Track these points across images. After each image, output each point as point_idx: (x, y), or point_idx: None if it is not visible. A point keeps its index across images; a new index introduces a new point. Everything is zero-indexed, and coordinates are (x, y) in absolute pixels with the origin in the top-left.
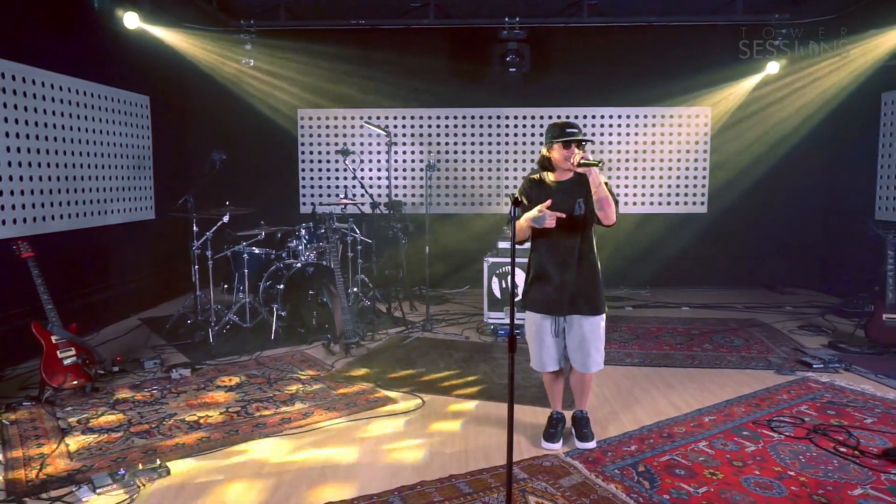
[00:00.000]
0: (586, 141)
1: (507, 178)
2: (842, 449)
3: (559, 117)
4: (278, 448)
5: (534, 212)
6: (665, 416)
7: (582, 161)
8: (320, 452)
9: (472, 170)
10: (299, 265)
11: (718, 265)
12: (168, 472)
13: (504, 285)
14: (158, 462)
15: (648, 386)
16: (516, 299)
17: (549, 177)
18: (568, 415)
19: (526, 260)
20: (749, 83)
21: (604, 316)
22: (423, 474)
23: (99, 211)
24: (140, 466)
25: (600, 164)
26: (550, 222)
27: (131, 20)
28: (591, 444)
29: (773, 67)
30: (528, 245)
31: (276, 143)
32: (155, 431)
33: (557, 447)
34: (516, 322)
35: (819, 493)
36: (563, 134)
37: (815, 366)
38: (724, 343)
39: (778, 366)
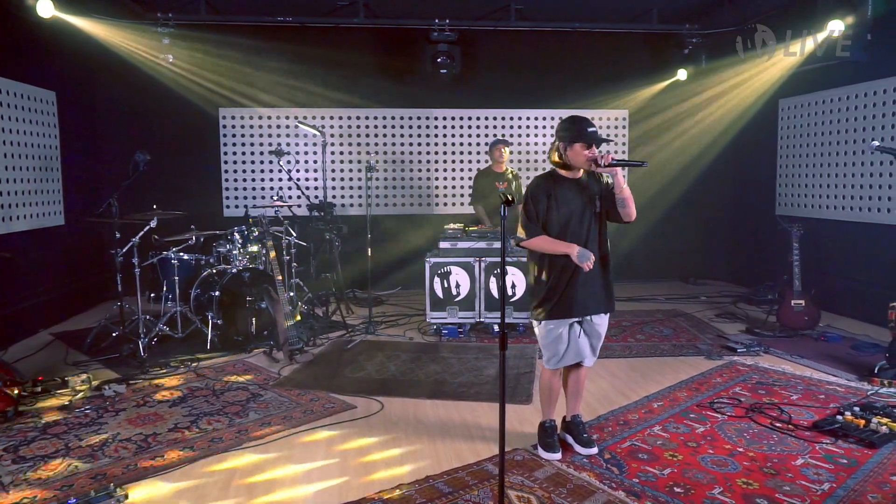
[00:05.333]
0: (607, 140)
1: (436, 178)
2: (778, 424)
3: (487, 119)
4: (242, 462)
5: (575, 249)
6: (617, 404)
7: (616, 161)
8: (288, 462)
9: (403, 171)
10: (234, 271)
11: (637, 260)
12: (126, 497)
13: (446, 285)
14: (113, 486)
15: (595, 377)
16: (537, 309)
17: (563, 174)
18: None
19: (466, 259)
20: (660, 88)
21: None
22: (399, 477)
23: (2, 217)
24: (93, 493)
25: (646, 164)
26: (589, 265)
27: (45, 8)
28: (595, 450)
29: (682, 74)
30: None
31: (198, 143)
32: (99, 455)
33: (558, 456)
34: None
35: (768, 466)
36: (585, 133)
37: (739, 350)
38: (655, 333)
39: (707, 352)
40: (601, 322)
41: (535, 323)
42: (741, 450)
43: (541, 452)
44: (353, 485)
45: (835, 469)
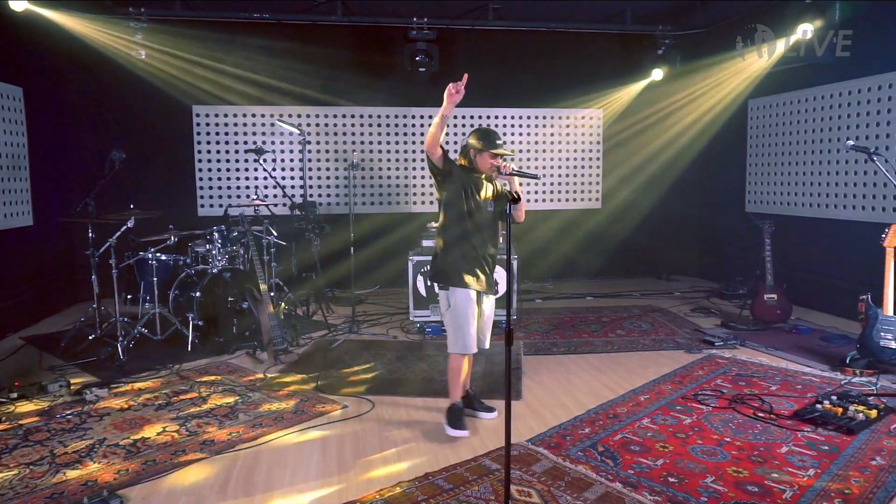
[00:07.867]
0: (511, 154)
1: (414, 176)
2: (760, 414)
3: (465, 117)
4: (237, 464)
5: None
6: (605, 398)
7: (515, 171)
8: (284, 464)
9: (381, 169)
10: (214, 271)
11: (611, 256)
12: (121, 502)
13: (428, 283)
14: (106, 492)
15: (580, 372)
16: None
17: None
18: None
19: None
20: (635, 88)
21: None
22: (397, 475)
23: None
24: (86, 500)
25: (539, 178)
26: (454, 89)
27: (18, 3)
28: (495, 413)
29: (657, 74)
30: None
31: (171, 141)
32: (87, 461)
33: (468, 433)
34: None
35: (755, 454)
36: (494, 145)
37: (716, 344)
38: (634, 328)
39: (686, 346)
40: (490, 302)
41: (443, 301)
42: (728, 439)
43: (451, 432)
44: (352, 484)
45: (818, 455)
